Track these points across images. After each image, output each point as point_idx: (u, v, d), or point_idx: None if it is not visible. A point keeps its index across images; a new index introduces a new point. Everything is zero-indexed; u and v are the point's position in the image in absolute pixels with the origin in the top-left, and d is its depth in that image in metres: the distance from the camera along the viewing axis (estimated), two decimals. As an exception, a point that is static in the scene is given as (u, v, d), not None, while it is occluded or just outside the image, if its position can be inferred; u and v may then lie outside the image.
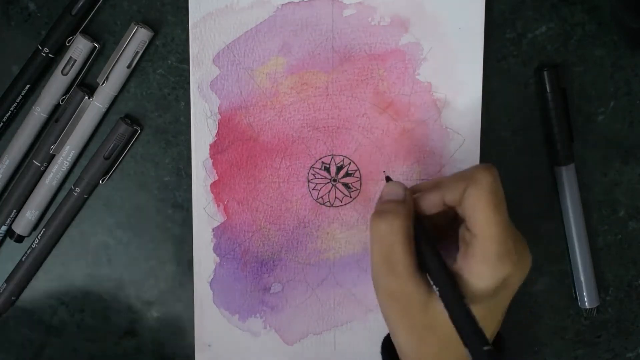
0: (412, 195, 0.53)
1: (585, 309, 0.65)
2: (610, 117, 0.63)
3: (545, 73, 0.61)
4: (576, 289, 0.65)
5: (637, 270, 0.66)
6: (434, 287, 0.48)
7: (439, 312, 0.47)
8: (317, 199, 0.63)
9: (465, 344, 0.45)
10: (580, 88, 0.63)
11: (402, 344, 0.52)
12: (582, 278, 0.64)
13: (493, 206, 0.47)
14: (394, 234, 0.50)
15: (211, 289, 0.65)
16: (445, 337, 0.48)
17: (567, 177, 0.63)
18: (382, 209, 0.52)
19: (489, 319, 0.50)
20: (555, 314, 0.66)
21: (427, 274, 0.49)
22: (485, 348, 0.44)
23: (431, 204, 0.52)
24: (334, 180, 0.63)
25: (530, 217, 0.65)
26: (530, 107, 0.63)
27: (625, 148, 0.64)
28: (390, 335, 0.53)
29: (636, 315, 0.66)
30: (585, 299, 0.65)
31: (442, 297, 0.47)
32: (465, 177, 0.49)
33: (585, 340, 0.67)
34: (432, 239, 0.51)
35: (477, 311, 0.46)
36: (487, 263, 0.47)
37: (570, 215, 0.63)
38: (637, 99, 0.63)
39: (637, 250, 0.65)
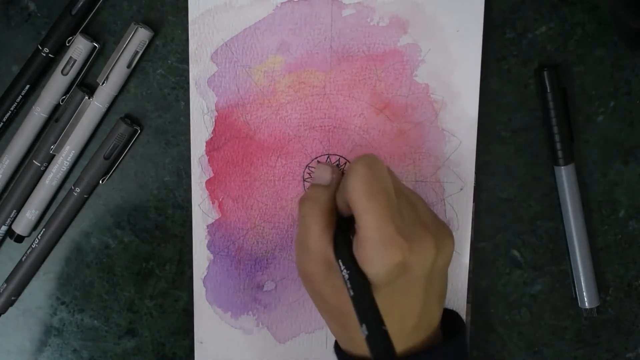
0: (339, 180, 0.54)
1: (585, 309, 0.65)
2: (610, 117, 0.63)
3: (545, 73, 0.61)
4: (576, 289, 0.65)
5: (637, 270, 0.66)
6: (342, 272, 0.48)
7: (348, 299, 0.48)
8: (313, 198, 0.63)
9: (360, 323, 0.45)
10: (580, 88, 0.63)
11: (327, 325, 0.56)
12: (582, 278, 0.64)
13: (367, 195, 0.48)
14: (311, 218, 0.51)
15: (204, 286, 0.65)
16: (357, 324, 0.48)
17: (567, 177, 0.63)
18: (306, 194, 0.54)
19: (399, 303, 0.50)
20: (555, 314, 0.66)
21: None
22: (380, 328, 0.44)
23: (340, 205, 0.53)
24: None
25: (530, 217, 0.64)
26: (530, 107, 0.63)
27: (625, 148, 0.63)
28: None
29: (636, 315, 0.66)
30: (585, 299, 0.65)
31: (348, 280, 0.48)
32: (347, 174, 0.50)
33: (585, 340, 0.67)
34: (347, 227, 0.52)
35: (381, 297, 0.47)
36: (370, 250, 0.48)
37: (570, 215, 0.63)
38: (637, 99, 0.63)
39: (637, 250, 0.65)
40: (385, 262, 0.47)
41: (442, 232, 0.52)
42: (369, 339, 0.44)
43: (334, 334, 0.55)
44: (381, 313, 0.45)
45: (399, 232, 0.48)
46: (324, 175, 0.54)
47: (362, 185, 0.48)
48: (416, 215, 0.51)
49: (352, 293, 0.47)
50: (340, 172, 0.55)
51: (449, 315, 0.57)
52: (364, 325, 0.44)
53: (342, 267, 0.49)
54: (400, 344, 0.51)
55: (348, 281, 0.48)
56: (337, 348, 0.56)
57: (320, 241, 0.51)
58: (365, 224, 0.48)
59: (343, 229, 0.52)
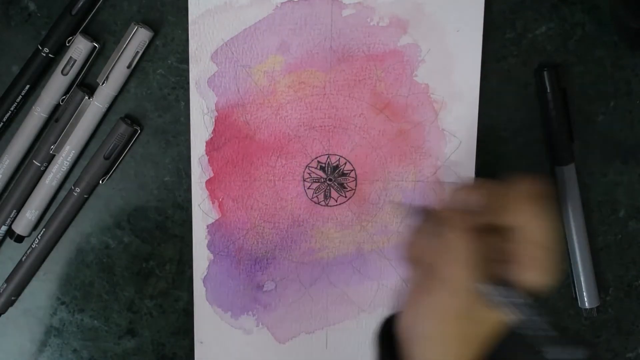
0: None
1: (585, 309, 0.65)
2: (610, 117, 0.63)
3: (545, 73, 0.61)
4: (576, 289, 0.65)
5: (637, 270, 0.66)
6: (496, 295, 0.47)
7: (490, 323, 0.48)
8: (312, 198, 0.63)
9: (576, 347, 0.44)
10: (580, 88, 0.63)
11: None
12: (582, 278, 0.64)
13: (543, 218, 0.47)
14: (463, 251, 0.47)
15: (204, 286, 0.65)
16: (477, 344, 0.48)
17: (567, 177, 0.63)
18: (451, 218, 0.49)
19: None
20: (555, 314, 0.66)
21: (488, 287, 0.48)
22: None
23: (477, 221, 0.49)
24: (330, 180, 0.63)
25: (530, 217, 0.64)
26: (530, 107, 0.63)
27: (625, 148, 0.63)
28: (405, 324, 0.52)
29: (636, 315, 0.66)
30: (585, 299, 0.65)
31: (515, 307, 0.47)
32: (505, 193, 0.48)
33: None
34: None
35: None
36: (542, 268, 0.47)
37: (570, 215, 0.63)
38: (637, 99, 0.63)
39: (637, 250, 0.65)
40: (549, 277, 0.47)
41: None
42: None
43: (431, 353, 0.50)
44: None
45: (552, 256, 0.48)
46: (477, 200, 0.49)
47: (538, 211, 0.47)
48: None
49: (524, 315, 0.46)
50: None
51: None
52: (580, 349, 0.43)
53: (497, 290, 0.47)
54: None
55: (512, 303, 0.46)
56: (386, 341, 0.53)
57: (470, 277, 0.47)
58: (542, 244, 0.47)
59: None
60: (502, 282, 0.47)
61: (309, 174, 0.63)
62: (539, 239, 0.47)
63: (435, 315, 0.49)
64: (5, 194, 0.64)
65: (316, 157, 0.62)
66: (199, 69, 0.61)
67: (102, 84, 0.61)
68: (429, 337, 0.50)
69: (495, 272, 0.48)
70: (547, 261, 0.47)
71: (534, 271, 0.47)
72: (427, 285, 0.49)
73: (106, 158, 0.62)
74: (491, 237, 0.49)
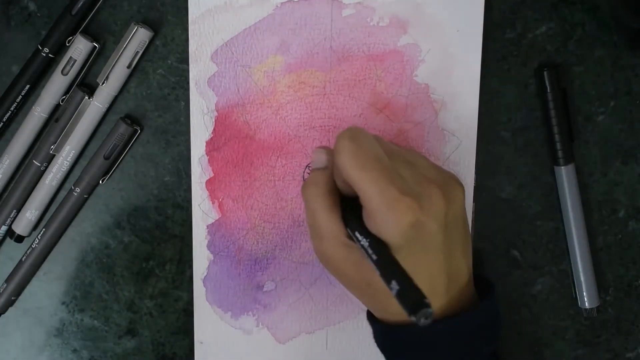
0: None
1: (585, 309, 0.65)
2: (610, 117, 0.63)
3: (545, 73, 0.61)
4: (576, 289, 0.65)
5: (637, 270, 0.66)
6: (358, 244, 0.49)
7: (371, 269, 0.48)
8: (312, 197, 0.63)
9: (387, 283, 0.44)
10: (580, 88, 0.63)
11: (359, 300, 0.55)
12: (582, 278, 0.64)
13: (358, 166, 0.48)
14: (316, 202, 0.52)
15: (204, 286, 0.65)
16: (386, 292, 0.48)
17: (567, 177, 0.63)
18: (307, 180, 0.54)
19: (422, 263, 0.50)
20: (555, 314, 0.66)
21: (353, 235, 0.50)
22: (404, 281, 0.44)
23: (340, 185, 0.53)
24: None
25: (530, 217, 0.64)
26: (530, 107, 0.63)
27: (625, 148, 0.63)
28: None
29: (636, 315, 0.66)
30: (585, 299, 0.65)
31: (365, 251, 0.48)
32: (334, 154, 0.50)
33: (585, 340, 0.67)
34: (353, 205, 0.51)
35: (402, 259, 0.46)
36: (379, 218, 0.48)
37: (570, 215, 0.63)
38: (637, 99, 0.63)
39: (637, 250, 0.65)
40: (397, 224, 0.47)
41: (448, 182, 0.51)
42: (399, 294, 0.43)
43: (368, 307, 0.55)
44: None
45: (403, 192, 0.47)
46: (320, 157, 0.54)
47: (351, 159, 0.48)
48: (417, 172, 0.51)
49: (374, 258, 0.46)
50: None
51: (475, 278, 0.56)
52: (392, 283, 0.44)
53: (359, 238, 0.48)
54: (437, 303, 0.51)
55: (368, 249, 0.47)
56: (371, 317, 0.55)
57: (329, 222, 0.51)
58: (366, 194, 0.48)
59: (351, 207, 0.51)
60: (361, 231, 0.49)
61: (309, 174, 0.63)
62: (363, 190, 0.48)
63: (325, 265, 0.54)
64: (5, 194, 0.64)
65: (316, 157, 0.62)
66: (199, 69, 0.61)
67: (102, 84, 0.61)
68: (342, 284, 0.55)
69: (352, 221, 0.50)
70: (382, 207, 0.47)
71: (374, 221, 0.48)
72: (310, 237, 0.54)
73: (106, 158, 0.62)
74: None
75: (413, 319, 0.41)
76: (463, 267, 0.53)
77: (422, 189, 0.49)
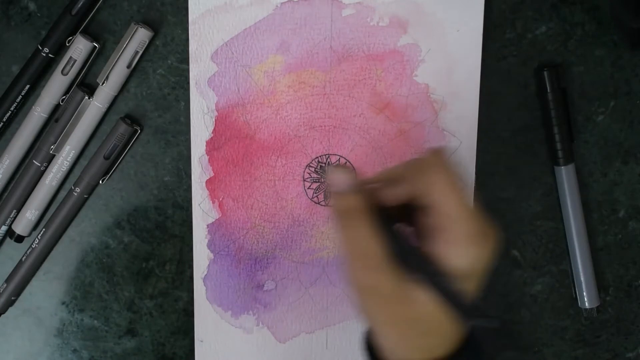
0: (362, 183, 0.51)
1: (585, 309, 0.65)
2: (610, 117, 0.63)
3: (545, 73, 0.61)
4: (576, 289, 0.65)
5: (637, 270, 0.66)
6: (418, 274, 0.47)
7: (424, 303, 0.47)
8: (312, 197, 0.63)
9: (466, 320, 0.44)
10: (580, 88, 0.63)
11: (383, 339, 0.51)
12: (582, 278, 0.64)
13: (456, 189, 0.46)
14: (364, 234, 0.48)
15: (204, 285, 0.65)
16: (429, 327, 0.47)
17: (567, 177, 0.63)
18: (337, 206, 0.50)
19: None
20: (555, 314, 0.66)
21: (404, 264, 0.48)
22: (492, 321, 0.43)
23: (393, 198, 0.50)
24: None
25: (530, 217, 0.64)
26: (530, 107, 0.63)
27: (625, 148, 0.63)
28: (372, 332, 0.52)
29: (636, 315, 0.66)
30: (585, 299, 0.65)
31: (431, 281, 0.47)
32: (422, 166, 0.48)
33: (585, 340, 0.67)
34: (395, 227, 0.49)
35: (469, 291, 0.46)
36: (462, 244, 0.46)
37: (570, 215, 0.63)
38: (637, 99, 0.63)
39: (637, 250, 0.65)
40: (473, 254, 0.46)
41: (491, 222, 0.50)
42: (500, 332, 0.43)
43: (387, 346, 0.51)
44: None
45: (481, 226, 0.46)
46: (344, 178, 0.50)
47: (450, 180, 0.46)
48: (477, 208, 0.49)
49: (442, 292, 0.45)
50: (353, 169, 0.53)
51: None
52: (471, 319, 0.44)
53: (416, 269, 0.47)
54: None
55: (430, 280, 0.46)
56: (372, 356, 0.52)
57: (377, 248, 0.47)
58: (458, 218, 0.46)
59: (389, 233, 0.48)
60: (423, 258, 0.47)
61: (309, 173, 0.63)
62: (452, 212, 0.46)
63: (366, 298, 0.49)
64: (5, 194, 0.64)
65: (316, 157, 0.62)
66: (199, 69, 0.61)
67: (102, 84, 0.61)
68: (371, 323, 0.50)
69: (420, 248, 0.47)
70: (468, 234, 0.46)
71: (455, 246, 0.46)
72: (350, 269, 0.49)
73: (106, 158, 0.62)
74: (414, 214, 0.49)
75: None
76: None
77: (486, 225, 0.48)
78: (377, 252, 0.48)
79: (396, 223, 0.50)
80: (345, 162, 0.62)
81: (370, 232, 0.48)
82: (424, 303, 0.46)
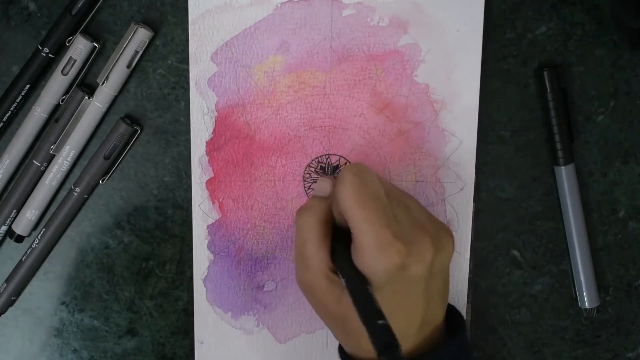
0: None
1: (585, 309, 0.65)
2: (610, 117, 0.63)
3: (545, 73, 0.61)
4: (576, 289, 0.65)
5: (637, 270, 0.66)
6: (341, 278, 0.50)
7: (351, 306, 0.48)
8: (312, 198, 0.63)
9: (364, 324, 0.45)
10: (580, 88, 0.63)
11: (331, 332, 0.56)
12: (582, 278, 0.64)
13: (358, 202, 0.49)
14: (307, 231, 0.52)
15: (205, 286, 0.65)
16: (355, 329, 0.49)
17: (567, 177, 0.63)
18: (304, 205, 0.54)
19: (401, 304, 0.50)
20: (555, 314, 0.66)
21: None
22: (380, 322, 0.44)
23: (336, 215, 0.53)
24: (330, 180, 0.63)
25: (530, 217, 0.64)
26: (530, 107, 0.63)
27: (625, 148, 0.63)
28: None
29: (636, 315, 0.66)
30: (585, 299, 0.65)
31: (347, 286, 0.48)
32: (337, 184, 0.51)
33: (585, 340, 0.67)
34: (343, 236, 0.52)
35: (382, 299, 0.47)
36: (368, 257, 0.48)
37: (570, 215, 0.63)
38: (637, 99, 0.63)
39: (637, 250, 0.65)
40: (384, 266, 0.48)
41: (439, 231, 0.52)
42: (372, 335, 0.44)
43: (340, 342, 0.56)
44: (385, 314, 0.45)
45: (395, 236, 0.48)
46: (324, 187, 0.54)
47: (352, 193, 0.49)
48: (411, 217, 0.51)
49: (354, 294, 0.47)
50: None
51: (448, 311, 0.57)
52: (366, 323, 0.45)
53: (344, 273, 0.49)
54: (407, 344, 0.52)
55: (347, 285, 0.48)
56: (342, 353, 0.56)
57: (317, 252, 0.51)
58: (360, 231, 0.48)
59: (340, 238, 0.52)
60: (348, 266, 0.50)
61: (309, 174, 0.63)
62: (355, 225, 0.49)
63: (306, 294, 0.54)
64: (5, 194, 0.64)
65: (316, 157, 0.62)
66: (199, 69, 0.61)
67: (102, 84, 0.61)
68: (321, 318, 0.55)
69: (346, 257, 0.50)
70: (373, 248, 0.48)
71: (362, 257, 0.49)
72: (295, 267, 0.54)
73: (106, 158, 0.62)
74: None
75: (382, 358, 0.43)
76: (439, 312, 0.54)
77: (414, 235, 0.50)
78: (317, 256, 0.51)
79: (342, 232, 0.53)
80: (346, 162, 0.62)
81: (317, 238, 0.52)
82: (349, 305, 0.48)
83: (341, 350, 0.56)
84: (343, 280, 0.49)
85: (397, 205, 0.51)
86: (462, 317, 0.58)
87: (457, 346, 0.54)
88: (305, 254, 0.52)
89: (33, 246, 0.64)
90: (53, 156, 0.63)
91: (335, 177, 0.57)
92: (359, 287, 0.48)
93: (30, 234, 0.65)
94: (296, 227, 0.53)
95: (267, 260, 0.64)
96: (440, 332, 0.55)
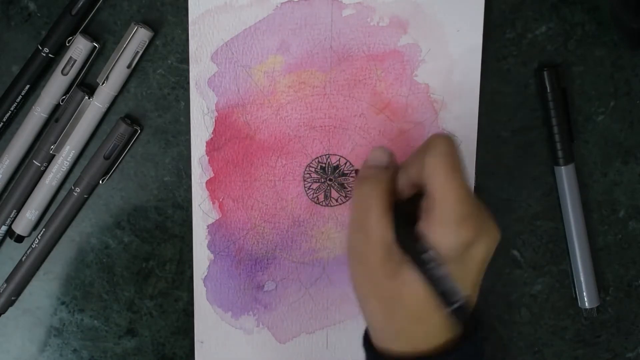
0: (395, 162, 0.53)
1: (585, 309, 0.65)
2: (610, 117, 0.63)
3: (545, 73, 0.61)
4: (576, 289, 0.65)
5: (637, 270, 0.66)
6: (410, 250, 0.48)
7: (409, 282, 0.47)
8: (313, 198, 0.63)
9: (441, 301, 0.45)
10: (580, 88, 0.63)
11: (369, 315, 0.53)
12: (582, 278, 0.64)
13: (449, 170, 0.47)
14: (373, 198, 0.50)
15: (205, 286, 0.65)
16: (414, 310, 0.48)
17: (567, 177, 0.63)
18: (364, 174, 0.52)
19: (462, 280, 0.49)
20: (555, 314, 0.66)
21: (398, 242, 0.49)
22: (458, 303, 0.44)
23: (402, 185, 0.52)
24: (330, 180, 0.63)
25: (530, 217, 0.64)
26: (530, 107, 0.63)
27: (625, 148, 0.63)
28: (360, 308, 0.53)
29: (636, 315, 0.66)
30: (585, 299, 0.65)
31: (416, 260, 0.47)
32: (422, 149, 0.49)
33: (585, 340, 0.67)
34: (405, 211, 0.51)
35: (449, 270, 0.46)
36: (448, 225, 0.47)
37: (570, 215, 0.63)
38: (637, 99, 0.63)
39: (637, 250, 0.65)
40: (459, 237, 0.47)
41: (492, 219, 0.51)
42: (458, 311, 0.44)
43: (374, 326, 0.53)
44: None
45: (477, 210, 0.47)
46: (382, 156, 0.53)
47: (444, 160, 0.47)
48: (478, 202, 0.50)
49: (421, 267, 0.47)
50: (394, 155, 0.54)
51: None
52: (448, 299, 0.44)
53: (405, 245, 0.48)
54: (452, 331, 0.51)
55: (428, 255, 0.47)
56: (368, 345, 0.54)
57: (380, 222, 0.49)
58: (448, 198, 0.47)
59: (399, 210, 0.50)
60: (415, 237, 0.48)
61: (309, 174, 0.63)
62: (438, 192, 0.47)
63: (356, 264, 0.52)
64: (5, 194, 0.64)
65: (316, 157, 0.62)
66: (199, 69, 0.61)
67: (102, 84, 0.61)
68: (359, 295, 0.53)
69: (412, 229, 0.49)
70: (450, 216, 0.47)
71: (441, 228, 0.47)
72: (349, 232, 0.53)
73: (106, 158, 0.62)
74: (412, 195, 0.51)
75: (468, 339, 0.44)
76: (474, 299, 0.52)
77: (483, 216, 0.49)
78: (379, 226, 0.49)
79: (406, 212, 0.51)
80: (346, 162, 0.62)
81: (382, 207, 0.50)
82: (409, 283, 0.48)
83: (366, 342, 0.54)
84: (416, 250, 0.48)
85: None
86: (480, 313, 0.56)
87: (479, 339, 0.53)
88: (368, 223, 0.50)
89: (33, 246, 0.64)
90: (53, 156, 0.63)
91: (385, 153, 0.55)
92: (431, 262, 0.47)
93: (30, 234, 0.65)
94: (357, 196, 0.52)
95: (267, 260, 0.64)
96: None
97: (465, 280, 0.49)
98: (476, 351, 0.52)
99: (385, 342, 0.52)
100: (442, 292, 0.46)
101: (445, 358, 0.50)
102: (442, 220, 0.47)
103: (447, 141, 0.49)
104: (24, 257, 0.65)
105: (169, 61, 0.62)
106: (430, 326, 0.47)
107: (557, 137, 0.62)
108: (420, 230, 0.48)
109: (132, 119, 0.63)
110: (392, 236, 0.49)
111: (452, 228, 0.47)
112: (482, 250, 0.49)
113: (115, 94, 0.62)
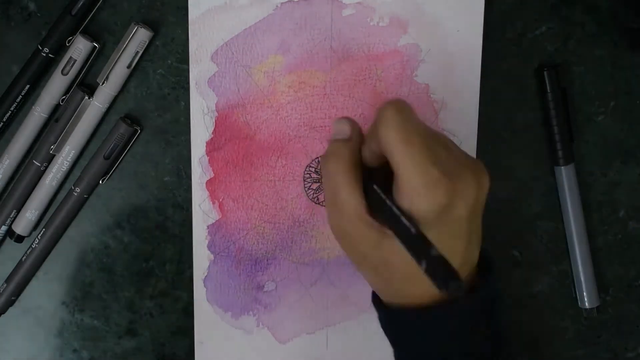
0: (360, 132, 0.52)
1: (585, 309, 0.65)
2: (610, 117, 0.63)
3: (545, 73, 0.61)
4: (576, 289, 0.65)
5: (637, 270, 0.66)
6: (385, 220, 0.48)
7: (393, 249, 0.47)
8: (313, 198, 0.63)
9: (417, 260, 0.44)
10: (580, 88, 0.63)
11: (368, 280, 0.53)
12: (582, 278, 0.64)
13: (404, 140, 0.46)
14: (339, 175, 0.50)
15: (205, 286, 0.65)
16: (406, 272, 0.48)
17: (567, 177, 0.63)
18: (328, 150, 0.52)
19: (445, 245, 0.47)
20: (555, 314, 0.66)
21: (375, 212, 0.49)
22: (434, 254, 0.42)
23: (369, 157, 0.51)
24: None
25: (530, 217, 0.64)
26: (530, 107, 0.63)
27: (625, 148, 0.63)
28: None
29: (636, 315, 0.66)
30: (585, 299, 0.65)
31: (393, 228, 0.47)
32: (376, 120, 0.49)
33: (585, 340, 0.67)
34: (377, 178, 0.50)
35: (431, 236, 0.45)
36: (414, 195, 0.46)
37: (570, 215, 0.63)
38: (637, 99, 0.63)
39: (637, 250, 0.65)
40: (432, 205, 0.46)
41: (477, 168, 0.50)
42: (428, 269, 0.42)
43: (377, 290, 0.54)
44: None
45: (442, 174, 0.46)
46: (343, 128, 0.52)
47: (396, 131, 0.47)
48: (451, 155, 0.49)
49: (408, 231, 0.45)
50: (359, 125, 0.53)
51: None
52: (419, 258, 0.43)
53: (381, 215, 0.48)
54: None
55: (390, 224, 0.47)
56: (377, 301, 0.54)
57: (351, 196, 0.49)
58: (407, 170, 0.46)
59: (371, 179, 0.50)
60: (389, 206, 0.47)
61: (309, 174, 0.63)
62: (404, 168, 0.46)
63: (342, 242, 0.52)
64: (5, 194, 0.64)
65: (316, 157, 0.62)
66: (199, 69, 0.61)
67: (102, 84, 0.61)
68: (354, 265, 0.53)
69: (382, 197, 0.48)
70: (420, 186, 0.46)
71: (407, 198, 0.47)
72: (328, 214, 0.52)
73: (106, 158, 0.62)
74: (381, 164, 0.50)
75: (443, 291, 0.41)
76: (475, 253, 0.52)
77: (457, 172, 0.48)
78: (351, 201, 0.49)
79: (377, 181, 0.50)
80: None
81: (349, 182, 0.49)
82: (394, 250, 0.47)
83: (375, 299, 0.54)
84: (390, 219, 0.47)
85: (436, 143, 0.49)
86: (492, 258, 0.55)
87: (490, 287, 0.52)
88: (339, 200, 0.50)
89: (33, 246, 0.64)
90: (53, 156, 0.63)
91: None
92: (404, 225, 0.45)
93: (30, 234, 0.65)
94: (324, 175, 0.51)
95: (267, 260, 0.64)
96: (475, 274, 0.53)
97: (457, 234, 0.49)
98: (483, 304, 0.52)
99: (390, 298, 0.53)
100: (414, 253, 0.45)
101: (448, 308, 0.50)
102: (407, 191, 0.47)
103: (396, 108, 0.48)
104: (24, 257, 0.65)
105: (169, 61, 0.62)
106: (427, 284, 0.47)
107: (557, 137, 0.62)
108: (394, 197, 0.48)
109: (132, 119, 0.63)
110: (365, 209, 0.49)
111: (418, 197, 0.46)
112: (463, 207, 0.48)
113: (115, 94, 0.62)
